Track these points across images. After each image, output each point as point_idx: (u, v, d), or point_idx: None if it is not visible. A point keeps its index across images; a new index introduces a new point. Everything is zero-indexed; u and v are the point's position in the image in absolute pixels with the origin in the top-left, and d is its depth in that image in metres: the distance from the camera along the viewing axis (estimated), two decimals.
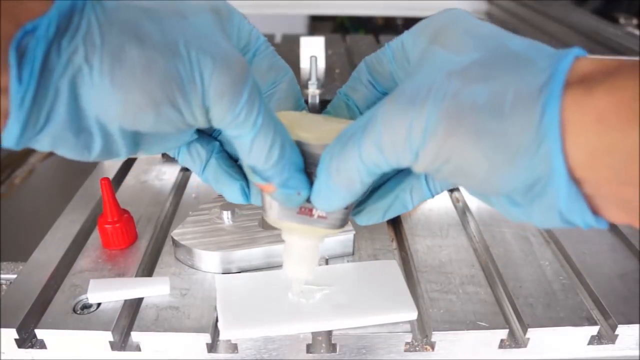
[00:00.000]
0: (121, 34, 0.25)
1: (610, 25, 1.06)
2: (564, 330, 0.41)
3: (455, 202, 0.59)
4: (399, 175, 0.32)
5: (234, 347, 0.41)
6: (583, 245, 0.51)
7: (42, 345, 0.41)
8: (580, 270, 0.48)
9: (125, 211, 0.49)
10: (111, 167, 0.64)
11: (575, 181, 0.23)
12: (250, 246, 0.46)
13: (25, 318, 0.41)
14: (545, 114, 0.22)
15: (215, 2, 0.30)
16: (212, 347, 0.41)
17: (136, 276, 0.46)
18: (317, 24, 2.23)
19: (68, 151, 0.27)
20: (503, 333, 0.41)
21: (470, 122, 0.23)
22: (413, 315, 0.42)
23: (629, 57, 0.78)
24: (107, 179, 0.46)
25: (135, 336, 0.40)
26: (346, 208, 0.31)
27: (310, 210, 0.32)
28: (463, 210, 0.58)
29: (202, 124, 0.28)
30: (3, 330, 0.40)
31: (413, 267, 0.48)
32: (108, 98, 0.25)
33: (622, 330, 0.42)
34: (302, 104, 0.36)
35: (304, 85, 0.68)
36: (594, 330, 0.42)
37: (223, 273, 0.46)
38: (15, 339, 0.40)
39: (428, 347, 0.42)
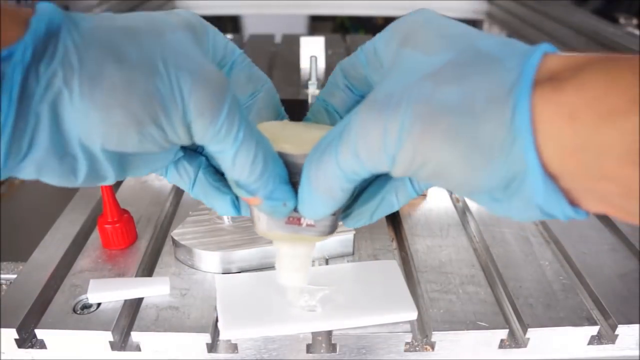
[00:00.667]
0: (99, 54, 0.25)
1: (610, 25, 1.05)
2: (564, 330, 0.41)
3: (455, 202, 0.59)
4: (383, 177, 0.32)
5: (234, 347, 0.41)
6: (583, 245, 0.51)
7: (42, 345, 0.41)
8: (580, 270, 0.48)
9: (125, 211, 0.49)
10: None
11: (551, 176, 0.23)
12: (250, 246, 0.46)
13: (25, 318, 0.41)
14: (516, 113, 0.22)
15: (189, 18, 0.30)
16: (212, 347, 0.41)
17: (136, 276, 0.46)
18: (317, 24, 2.24)
19: (54, 177, 0.26)
20: (503, 333, 0.41)
21: (444, 123, 0.23)
22: (413, 315, 0.42)
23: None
24: None
25: (135, 336, 0.40)
26: (333, 214, 0.31)
27: (299, 219, 0.32)
28: (463, 210, 0.58)
29: (184, 141, 0.28)
30: (3, 330, 0.40)
31: (413, 267, 0.48)
32: (90, 119, 0.25)
33: (622, 330, 0.42)
34: (283, 113, 0.36)
35: (304, 85, 0.68)
36: (594, 330, 0.42)
37: (223, 273, 0.46)
38: (15, 339, 0.40)
39: (428, 347, 0.42)
